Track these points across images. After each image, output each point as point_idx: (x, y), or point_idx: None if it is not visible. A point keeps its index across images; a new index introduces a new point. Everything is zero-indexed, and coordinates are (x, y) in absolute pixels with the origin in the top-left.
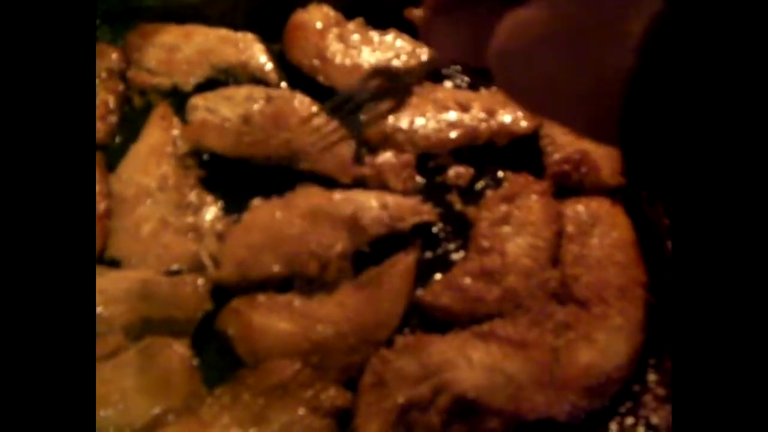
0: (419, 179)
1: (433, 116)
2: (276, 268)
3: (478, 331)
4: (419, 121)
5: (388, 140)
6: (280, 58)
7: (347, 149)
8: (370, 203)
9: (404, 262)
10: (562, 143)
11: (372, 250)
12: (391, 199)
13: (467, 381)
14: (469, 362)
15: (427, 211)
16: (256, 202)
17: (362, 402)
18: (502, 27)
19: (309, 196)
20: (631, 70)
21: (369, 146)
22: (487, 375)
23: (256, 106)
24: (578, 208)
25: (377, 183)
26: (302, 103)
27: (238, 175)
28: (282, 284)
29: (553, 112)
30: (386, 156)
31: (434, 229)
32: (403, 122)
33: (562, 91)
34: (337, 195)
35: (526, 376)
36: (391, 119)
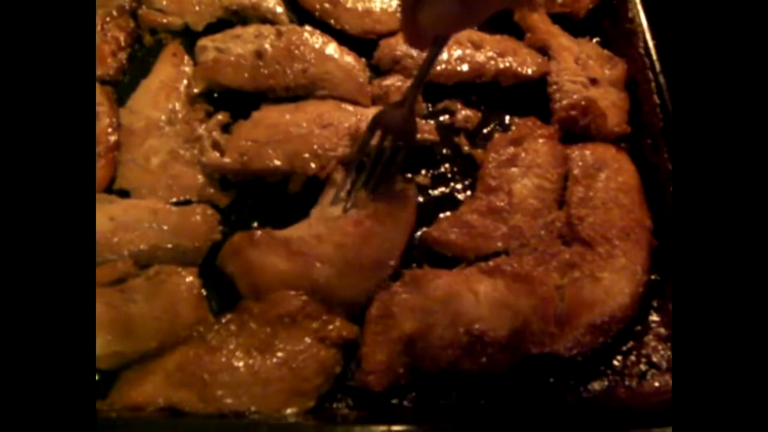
0: (424, 105)
1: (445, 49)
2: (277, 163)
3: (484, 267)
4: None
5: (397, 65)
6: (290, 1)
7: (363, 74)
8: None
9: (405, 194)
10: (569, 90)
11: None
12: None
13: (474, 314)
14: (476, 296)
15: (428, 130)
16: (267, 104)
17: (369, 332)
18: None
19: (319, 105)
20: None
21: (378, 70)
22: (493, 309)
23: (267, 42)
24: (584, 153)
25: (384, 103)
26: (312, 35)
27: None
28: (279, 182)
29: None
30: (394, 79)
31: (441, 170)
32: (414, 50)
33: None
34: (345, 106)
35: (532, 311)
36: (402, 46)
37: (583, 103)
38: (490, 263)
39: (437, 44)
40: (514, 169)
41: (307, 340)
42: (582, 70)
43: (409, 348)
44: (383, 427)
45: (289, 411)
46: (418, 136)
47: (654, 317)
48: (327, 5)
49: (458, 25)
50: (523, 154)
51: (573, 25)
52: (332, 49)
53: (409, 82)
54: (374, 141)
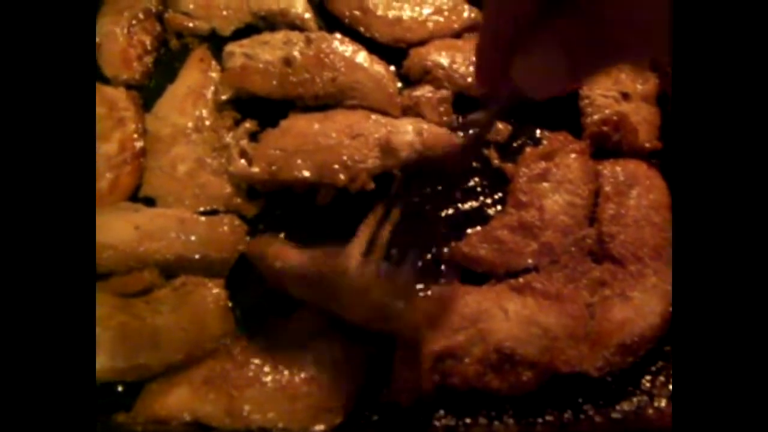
0: (454, 117)
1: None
2: (306, 173)
3: (514, 284)
4: (461, 62)
5: (428, 75)
6: (319, 7)
7: (393, 84)
8: (405, 128)
9: None
10: (601, 105)
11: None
12: (426, 127)
13: (503, 332)
14: (506, 313)
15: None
16: (295, 113)
17: (399, 348)
18: None
19: (349, 115)
20: None
21: (408, 79)
22: (522, 327)
23: (296, 49)
24: (616, 169)
25: (414, 114)
26: (342, 43)
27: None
28: (307, 192)
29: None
30: (424, 90)
31: (471, 183)
32: (445, 60)
33: None
34: (375, 116)
35: (561, 330)
36: (433, 56)
37: (614, 118)
38: (520, 280)
39: (509, 96)
40: (545, 185)
41: (335, 355)
42: (614, 85)
43: (439, 365)
44: None
45: (317, 428)
46: (448, 149)
47: None
48: (357, 12)
49: (555, 86)
50: (554, 169)
51: None
52: (362, 57)
53: (442, 92)
54: None
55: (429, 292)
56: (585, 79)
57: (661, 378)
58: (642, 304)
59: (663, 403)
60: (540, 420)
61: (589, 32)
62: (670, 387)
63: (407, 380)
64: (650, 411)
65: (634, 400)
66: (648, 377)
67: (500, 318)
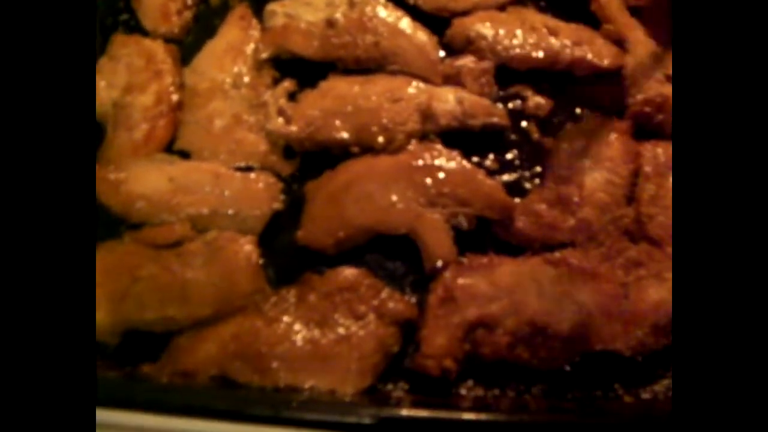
0: (495, 89)
1: (520, 33)
2: (345, 134)
3: (550, 258)
4: (504, 34)
5: (471, 45)
6: None
7: (435, 52)
8: (447, 96)
9: None
10: (645, 85)
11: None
12: (467, 96)
13: (537, 305)
14: (540, 287)
15: (500, 114)
16: (335, 75)
17: (430, 315)
18: None
19: (390, 80)
20: None
21: (450, 49)
22: (556, 301)
23: (339, 11)
24: (657, 151)
25: (455, 84)
26: (386, 8)
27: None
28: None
29: None
30: (467, 60)
31: (509, 156)
32: (488, 32)
33: None
34: (417, 83)
35: (596, 307)
36: (476, 26)
37: (658, 99)
38: (557, 254)
39: None
40: (585, 161)
41: (368, 316)
42: (658, 66)
43: (470, 334)
44: (441, 413)
45: (346, 389)
46: (488, 119)
47: None
48: None
49: None
50: (595, 147)
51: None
52: (405, 24)
53: (484, 63)
54: None
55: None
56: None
57: None
58: None
59: None
60: (569, 396)
61: None
62: None
63: (438, 347)
64: None
65: (664, 382)
66: None
67: (534, 291)
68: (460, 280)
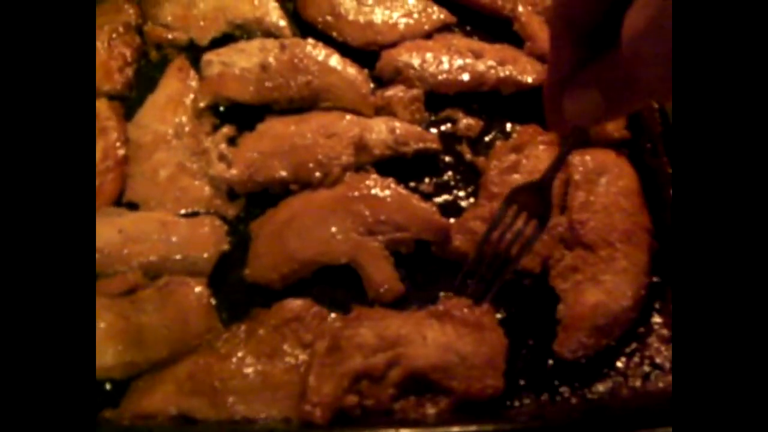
0: (426, 115)
1: (446, 59)
2: (283, 173)
3: (434, 311)
4: (431, 61)
5: (400, 75)
6: (293, 15)
7: (366, 85)
8: (379, 126)
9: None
10: None
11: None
12: (399, 125)
13: (421, 357)
14: (424, 339)
15: (431, 138)
16: (272, 116)
17: (316, 364)
18: None
19: (323, 116)
20: None
21: (381, 80)
22: (440, 353)
23: (271, 55)
24: (585, 159)
25: (387, 114)
26: (315, 47)
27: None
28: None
29: None
30: (396, 89)
31: (445, 177)
32: (416, 60)
33: None
34: (350, 117)
35: (478, 358)
36: (404, 56)
37: None
38: (440, 307)
39: (575, 133)
40: (516, 176)
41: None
42: None
43: (355, 384)
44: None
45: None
46: (420, 145)
47: (657, 319)
48: (329, 18)
49: (599, 119)
50: (524, 161)
51: None
52: (335, 60)
53: (414, 92)
54: (508, 219)
55: None
56: (617, 116)
57: (635, 359)
58: (613, 287)
59: (638, 383)
60: (517, 403)
61: (621, 76)
62: (645, 368)
63: (324, 395)
64: (625, 391)
65: (609, 381)
66: (622, 359)
67: (419, 343)
68: (347, 331)
